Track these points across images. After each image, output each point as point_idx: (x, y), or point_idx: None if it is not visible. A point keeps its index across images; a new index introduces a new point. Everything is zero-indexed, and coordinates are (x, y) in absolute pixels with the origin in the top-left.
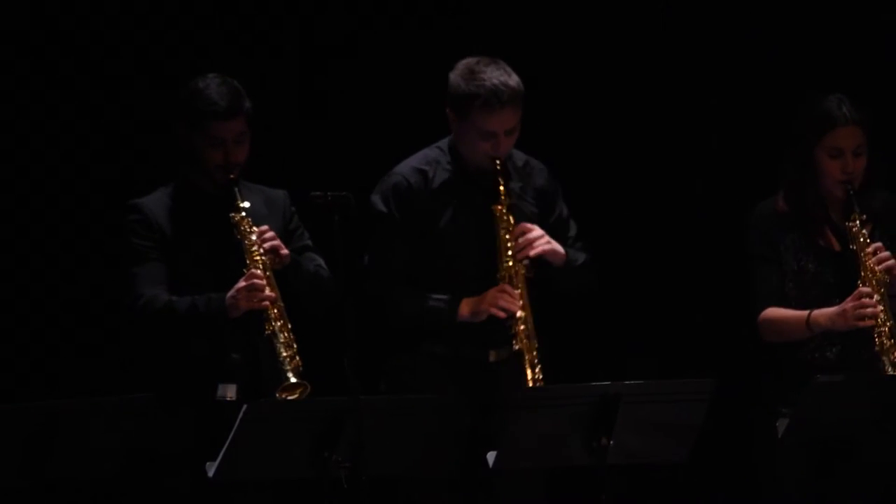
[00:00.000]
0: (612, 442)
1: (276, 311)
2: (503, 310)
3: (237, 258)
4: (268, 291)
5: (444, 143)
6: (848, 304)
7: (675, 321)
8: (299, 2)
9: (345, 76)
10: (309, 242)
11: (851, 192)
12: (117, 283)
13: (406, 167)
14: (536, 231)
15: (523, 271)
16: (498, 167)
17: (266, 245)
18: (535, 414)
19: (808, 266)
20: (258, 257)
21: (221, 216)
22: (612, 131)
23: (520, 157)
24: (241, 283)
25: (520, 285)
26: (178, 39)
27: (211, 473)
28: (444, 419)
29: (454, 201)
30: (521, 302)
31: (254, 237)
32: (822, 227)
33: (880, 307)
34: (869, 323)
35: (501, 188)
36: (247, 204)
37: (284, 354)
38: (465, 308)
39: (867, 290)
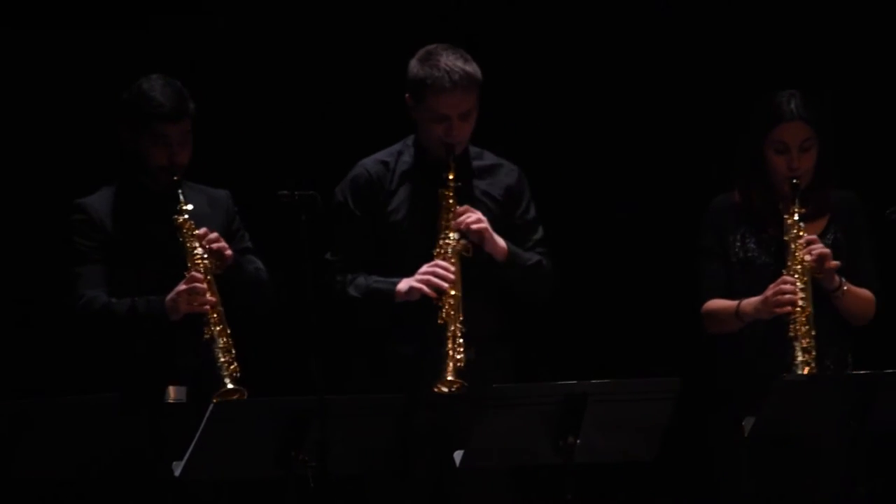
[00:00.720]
0: (578, 441)
1: (215, 315)
2: (434, 288)
3: (180, 260)
4: (208, 296)
5: (410, 139)
6: (769, 291)
7: (642, 320)
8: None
9: (315, 73)
10: (249, 245)
11: (796, 186)
12: (60, 283)
13: (370, 159)
14: (478, 213)
15: (459, 247)
16: (451, 154)
17: (213, 246)
18: (501, 413)
19: (757, 257)
20: (199, 261)
21: (165, 217)
22: (579, 132)
23: (490, 157)
24: (182, 287)
25: (453, 260)
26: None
27: (177, 473)
28: (410, 419)
29: (412, 191)
30: (453, 278)
31: (196, 243)
32: (771, 220)
33: (800, 294)
34: (787, 310)
35: (451, 174)
36: (190, 206)
37: (222, 360)
38: (401, 285)
39: (789, 277)
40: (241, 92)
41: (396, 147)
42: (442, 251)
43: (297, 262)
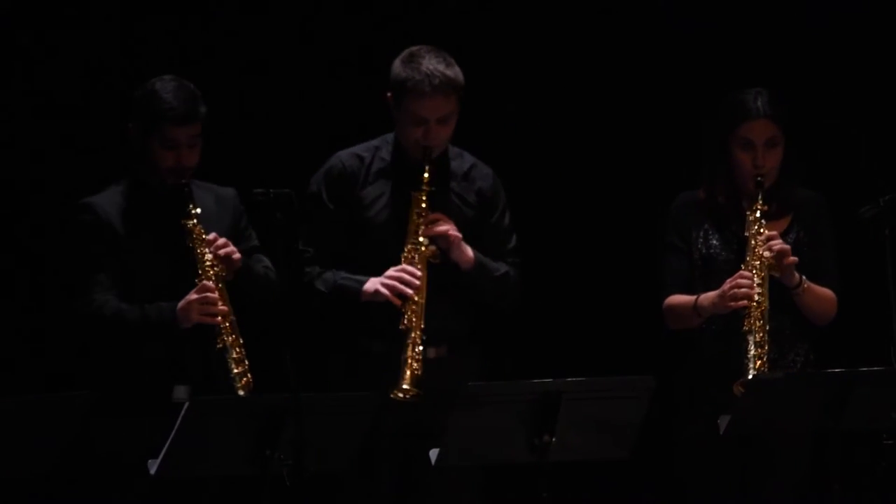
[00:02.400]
0: (553, 439)
1: (228, 325)
2: (398, 295)
3: (188, 262)
4: (220, 305)
5: (390, 135)
6: (726, 285)
7: (616, 317)
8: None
9: (288, 71)
10: (256, 243)
11: (761, 183)
12: (67, 283)
13: (346, 152)
14: (447, 221)
15: (428, 254)
16: (426, 157)
17: (221, 252)
18: (476, 411)
19: (719, 254)
20: (209, 269)
21: (173, 218)
22: (547, 129)
23: (468, 159)
24: (193, 296)
25: (419, 265)
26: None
27: (153, 471)
28: (383, 416)
29: (387, 188)
30: (418, 283)
31: (206, 249)
32: (735, 217)
33: (756, 290)
34: (743, 304)
35: (425, 176)
36: (199, 210)
37: (236, 371)
38: (368, 285)
39: (746, 272)
40: (222, 91)
41: (374, 142)
42: (410, 256)
43: (272, 259)
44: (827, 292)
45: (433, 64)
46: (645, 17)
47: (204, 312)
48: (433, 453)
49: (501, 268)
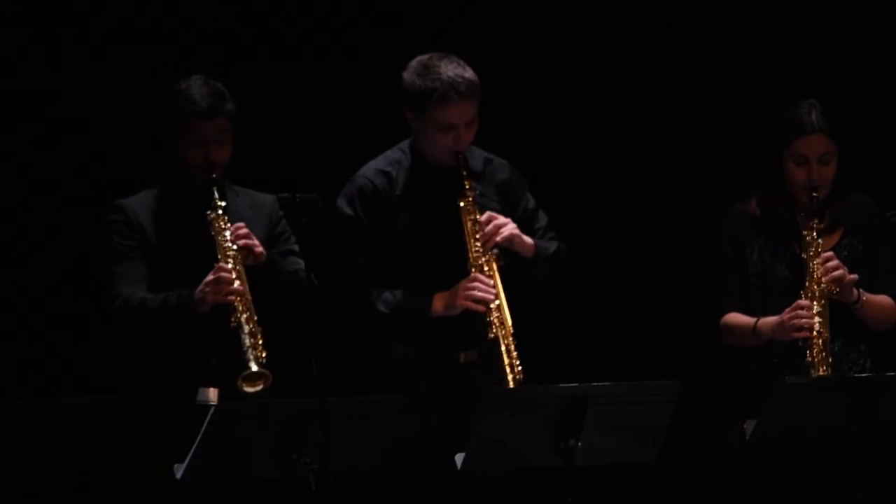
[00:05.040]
0: (579, 443)
1: (243, 303)
2: (478, 301)
3: (216, 259)
4: (236, 285)
5: (405, 144)
6: (785, 315)
7: (645, 322)
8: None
9: (310, 77)
10: (295, 248)
11: (816, 200)
12: (98, 283)
13: (370, 170)
14: (502, 218)
15: (494, 259)
16: (460, 161)
17: (239, 242)
18: (503, 415)
19: (775, 270)
20: (228, 252)
21: (202, 217)
22: (590, 128)
23: (480, 155)
24: (209, 277)
25: (492, 273)
26: (158, 40)
27: (178, 475)
28: (413, 420)
29: (419, 201)
30: (494, 290)
31: (227, 234)
32: (790, 231)
33: (816, 319)
34: (804, 335)
35: (466, 182)
36: (223, 203)
37: (248, 344)
38: (438, 303)
39: (805, 301)
40: (247, 95)
41: (394, 155)
42: (478, 265)
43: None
44: (885, 300)
45: (452, 70)
46: (691, 22)
47: (219, 292)
48: (459, 457)
49: (552, 244)
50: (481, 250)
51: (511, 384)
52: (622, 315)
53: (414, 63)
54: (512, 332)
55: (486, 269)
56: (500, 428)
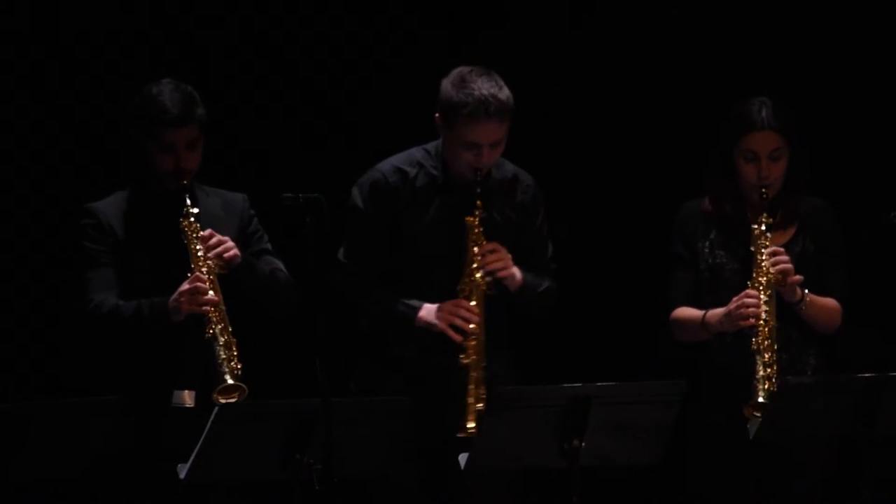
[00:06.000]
0: (583, 444)
1: (217, 314)
2: (458, 330)
3: (188, 265)
4: (210, 295)
5: (432, 145)
6: (732, 304)
7: (647, 321)
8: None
9: (325, 73)
10: (268, 246)
11: (765, 196)
12: (69, 287)
13: (388, 165)
14: (502, 253)
15: (484, 287)
16: (478, 178)
17: (210, 254)
18: (506, 416)
19: (726, 265)
20: (202, 261)
21: (173, 221)
22: (590, 128)
23: (509, 168)
24: (185, 286)
25: (477, 301)
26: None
27: (182, 475)
28: (414, 421)
29: (432, 205)
30: (476, 319)
31: (199, 245)
32: (741, 227)
33: (763, 308)
34: (750, 323)
35: (478, 201)
36: (196, 210)
37: (223, 357)
38: (423, 313)
39: (752, 291)
40: (247, 94)
41: (417, 155)
42: (466, 289)
43: (302, 264)
44: (831, 303)
45: (486, 88)
46: (649, 22)
47: (194, 303)
48: (462, 458)
49: (543, 283)
50: (475, 276)
51: (472, 422)
52: (627, 315)
53: (454, 72)
54: (485, 364)
55: (473, 295)
56: (504, 429)
